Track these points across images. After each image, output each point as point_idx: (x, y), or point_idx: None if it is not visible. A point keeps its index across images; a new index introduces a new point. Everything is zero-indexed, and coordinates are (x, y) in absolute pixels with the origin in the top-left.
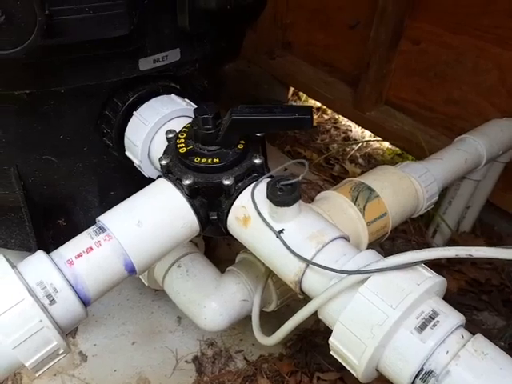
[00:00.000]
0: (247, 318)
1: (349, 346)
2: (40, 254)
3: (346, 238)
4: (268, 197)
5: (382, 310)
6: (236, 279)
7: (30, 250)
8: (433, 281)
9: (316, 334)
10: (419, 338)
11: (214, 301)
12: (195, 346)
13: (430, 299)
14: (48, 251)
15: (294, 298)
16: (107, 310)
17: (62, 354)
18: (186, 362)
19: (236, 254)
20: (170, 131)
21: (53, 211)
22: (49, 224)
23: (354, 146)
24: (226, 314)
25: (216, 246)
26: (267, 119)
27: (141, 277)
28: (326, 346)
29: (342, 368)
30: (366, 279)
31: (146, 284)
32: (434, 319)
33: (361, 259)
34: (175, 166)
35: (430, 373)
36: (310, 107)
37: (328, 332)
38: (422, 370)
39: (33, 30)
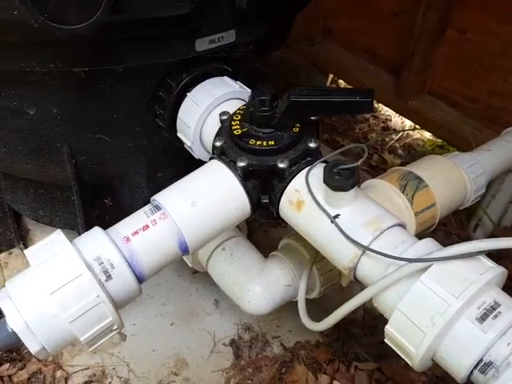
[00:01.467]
0: (284, 306)
1: (406, 334)
2: (97, 230)
3: (402, 226)
4: (325, 181)
5: (444, 298)
6: (280, 264)
7: (74, 229)
8: (495, 271)
9: (353, 323)
10: (480, 329)
11: (257, 284)
12: (232, 329)
13: (492, 290)
14: None
15: (335, 286)
16: (146, 291)
17: (115, 329)
18: (223, 344)
19: (273, 241)
20: (223, 113)
21: (100, 190)
22: (95, 203)
23: (393, 136)
24: (269, 298)
25: (253, 232)
26: (326, 102)
27: (184, 258)
28: (363, 336)
29: (380, 358)
30: (427, 268)
31: (190, 265)
32: (495, 310)
33: (421, 247)
34: (229, 147)
35: (489, 364)
36: (372, 90)
37: (364, 323)
38: (481, 360)
39: (100, 6)
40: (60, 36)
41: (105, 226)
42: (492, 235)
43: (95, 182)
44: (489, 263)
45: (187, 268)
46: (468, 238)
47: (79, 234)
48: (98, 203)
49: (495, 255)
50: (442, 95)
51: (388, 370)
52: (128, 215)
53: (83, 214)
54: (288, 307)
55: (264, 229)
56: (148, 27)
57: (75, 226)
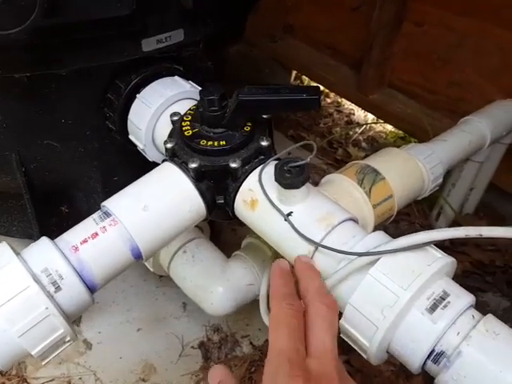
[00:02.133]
0: (253, 303)
1: (359, 328)
2: (44, 241)
3: (354, 220)
4: (276, 179)
5: (393, 291)
6: (242, 264)
7: (32, 238)
8: (443, 261)
9: None
10: (430, 319)
11: (220, 286)
12: (201, 331)
13: (441, 280)
14: (51, 238)
15: None
16: (111, 297)
17: (68, 341)
18: (192, 347)
19: (241, 239)
20: (174, 114)
21: (55, 198)
22: (51, 211)
23: (357, 130)
24: (232, 299)
25: (221, 231)
26: (274, 100)
27: (146, 263)
28: None
29: (349, 351)
30: (377, 261)
31: (152, 270)
32: (444, 300)
33: (370, 241)
34: (181, 149)
35: (441, 354)
36: (318, 87)
37: None
38: (433, 351)
39: (33, 9)
40: None
41: (63, 233)
42: (454, 223)
43: (49, 189)
44: (437, 254)
45: (153, 272)
46: (431, 227)
47: None
48: (55, 211)
49: (460, 242)
50: (402, 88)
51: (357, 362)
52: None
53: (38, 222)
54: (258, 305)
55: (232, 227)
56: (89, 29)
57: (33, 236)
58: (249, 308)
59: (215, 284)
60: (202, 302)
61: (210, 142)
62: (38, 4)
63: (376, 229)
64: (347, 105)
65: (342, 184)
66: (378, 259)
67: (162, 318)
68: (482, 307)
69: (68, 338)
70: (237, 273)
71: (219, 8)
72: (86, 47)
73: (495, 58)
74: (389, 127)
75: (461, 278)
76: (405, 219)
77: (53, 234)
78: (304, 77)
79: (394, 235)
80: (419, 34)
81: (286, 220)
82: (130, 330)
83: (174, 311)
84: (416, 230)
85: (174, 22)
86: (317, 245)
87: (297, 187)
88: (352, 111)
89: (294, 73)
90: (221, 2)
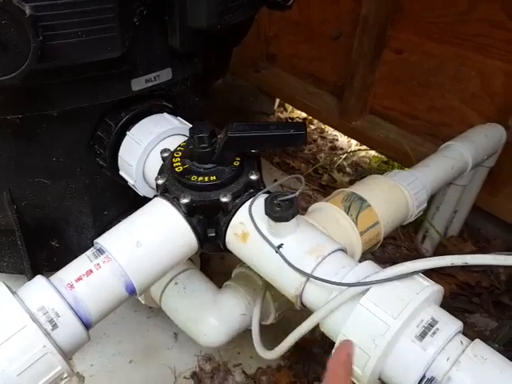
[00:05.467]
0: (244, 332)
1: None
2: (40, 279)
3: (343, 250)
4: (266, 213)
5: (384, 320)
6: (234, 294)
7: (22, 273)
8: (431, 289)
9: (313, 343)
10: (420, 346)
11: (212, 317)
12: (193, 361)
13: (429, 307)
14: (41, 273)
15: (291, 309)
16: (102, 330)
17: (65, 378)
18: (184, 378)
19: (230, 267)
20: (164, 150)
21: (45, 233)
22: (42, 246)
23: (341, 155)
24: (224, 330)
25: (209, 259)
26: (263, 136)
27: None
28: (324, 355)
29: None
30: (367, 290)
31: (143, 302)
32: (433, 327)
33: (360, 271)
34: (172, 185)
35: (432, 379)
36: (304, 123)
37: (324, 341)
38: (424, 377)
39: (27, 56)
40: None
41: (53, 268)
42: (439, 245)
43: (39, 225)
44: (424, 282)
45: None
46: (417, 250)
47: (28, 278)
48: (45, 245)
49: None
50: (384, 114)
51: None
52: (76, 255)
53: (29, 258)
54: (249, 333)
55: (220, 255)
56: (80, 71)
57: (23, 271)
58: (240, 336)
59: (207, 315)
60: (194, 334)
61: (200, 178)
62: (31, 50)
63: (364, 254)
64: (331, 131)
65: (329, 212)
66: (368, 289)
67: (153, 349)
68: (469, 328)
69: (65, 375)
70: (229, 303)
71: (206, 47)
72: (76, 88)
73: (474, 83)
74: (372, 152)
75: (448, 299)
76: (391, 243)
77: (43, 269)
78: (288, 104)
79: (381, 258)
80: (399, 61)
81: (277, 252)
82: (122, 361)
83: (165, 342)
84: (402, 254)
85: (163, 62)
86: (308, 276)
87: (287, 220)
88: (335, 137)
89: (277, 100)
90: (207, 41)
